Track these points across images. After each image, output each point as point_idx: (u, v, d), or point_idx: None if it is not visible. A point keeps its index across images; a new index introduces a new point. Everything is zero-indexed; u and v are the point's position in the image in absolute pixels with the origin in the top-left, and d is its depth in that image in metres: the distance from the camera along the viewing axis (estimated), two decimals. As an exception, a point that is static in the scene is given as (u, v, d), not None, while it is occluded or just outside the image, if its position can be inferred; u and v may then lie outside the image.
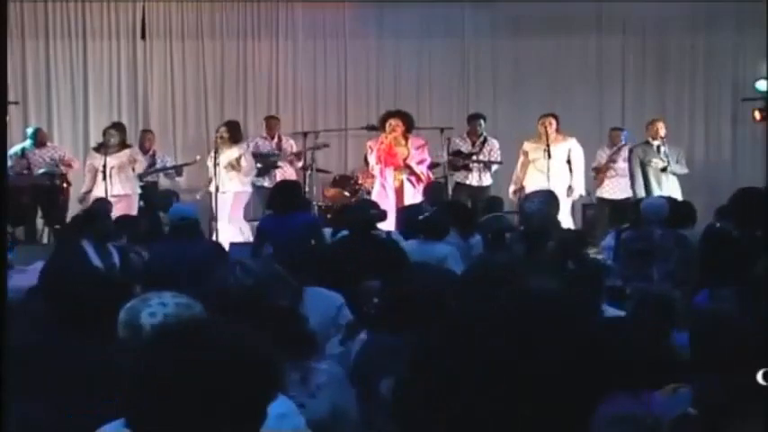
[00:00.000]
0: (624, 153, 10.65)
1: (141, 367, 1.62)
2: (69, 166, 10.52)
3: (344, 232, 6.58)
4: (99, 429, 2.23)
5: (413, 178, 9.74)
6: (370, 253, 5.65)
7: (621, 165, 10.65)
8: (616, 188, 10.67)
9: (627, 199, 10.39)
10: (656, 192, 10.10)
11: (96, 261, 6.23)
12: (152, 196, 10.29)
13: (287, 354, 2.63)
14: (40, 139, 10.60)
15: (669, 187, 10.08)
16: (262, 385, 1.63)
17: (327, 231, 7.26)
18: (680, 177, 10.38)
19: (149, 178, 10.76)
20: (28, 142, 10.57)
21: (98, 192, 9.67)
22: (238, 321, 2.26)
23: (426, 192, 8.90)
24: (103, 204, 8.68)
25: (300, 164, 10.78)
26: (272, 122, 11.21)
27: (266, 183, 10.54)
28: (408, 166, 9.72)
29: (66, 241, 6.49)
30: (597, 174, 10.97)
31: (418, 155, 9.81)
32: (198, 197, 10.29)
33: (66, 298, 3.35)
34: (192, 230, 6.52)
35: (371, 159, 9.94)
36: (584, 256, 5.25)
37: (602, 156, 10.99)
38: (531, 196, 7.76)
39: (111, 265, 6.49)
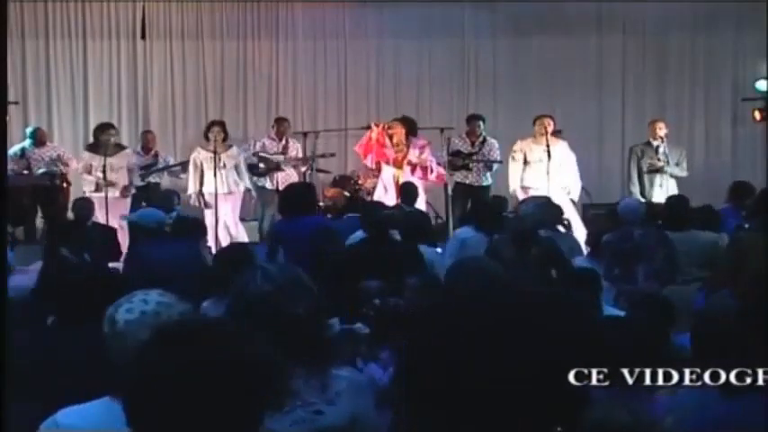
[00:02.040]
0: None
1: (138, 366, 1.63)
2: (66, 164, 10.52)
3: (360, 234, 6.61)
4: (50, 417, 2.26)
5: (419, 171, 9.81)
6: (388, 256, 5.68)
7: None
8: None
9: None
10: (653, 192, 10.13)
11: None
12: (152, 196, 10.30)
13: (305, 361, 2.64)
14: (39, 138, 10.59)
15: (666, 188, 10.10)
16: (259, 391, 1.63)
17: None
18: (678, 178, 10.41)
19: (152, 178, 10.76)
20: (27, 142, 10.57)
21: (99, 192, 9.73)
22: (257, 327, 2.26)
23: (401, 192, 8.99)
24: (84, 207, 8.75)
25: (305, 168, 10.79)
26: (283, 125, 11.14)
27: (267, 184, 10.52)
28: (410, 163, 9.80)
29: (48, 252, 6.57)
30: None
31: (419, 153, 9.90)
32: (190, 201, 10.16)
33: (64, 296, 3.39)
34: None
35: (368, 161, 10.05)
36: (567, 263, 5.23)
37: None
38: (527, 200, 7.77)
39: None
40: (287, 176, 10.49)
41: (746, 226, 6.43)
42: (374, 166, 10.06)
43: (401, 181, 9.66)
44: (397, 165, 9.85)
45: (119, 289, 3.43)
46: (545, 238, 5.75)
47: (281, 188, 9.64)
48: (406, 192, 8.99)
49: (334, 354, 3.02)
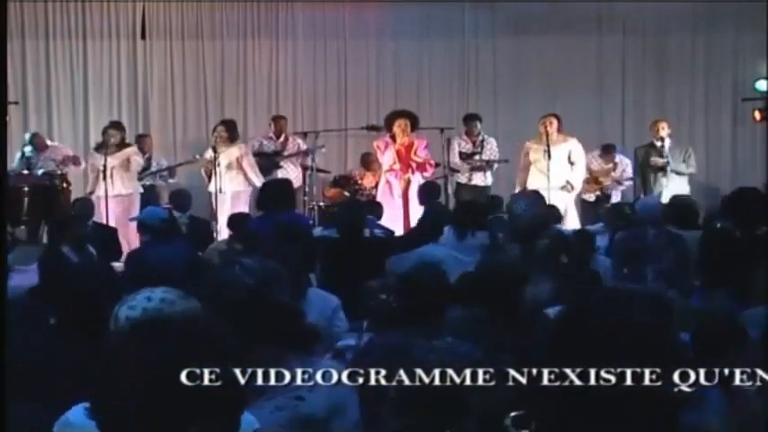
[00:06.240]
0: (621, 166, 10.82)
1: (110, 359, 1.62)
2: (76, 163, 10.51)
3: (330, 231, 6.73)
4: (63, 416, 2.23)
5: (421, 167, 9.79)
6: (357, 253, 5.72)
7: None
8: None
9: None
10: (656, 192, 10.15)
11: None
12: (156, 197, 10.36)
13: (290, 349, 2.64)
14: (38, 144, 10.59)
15: (673, 187, 10.11)
16: (230, 390, 1.60)
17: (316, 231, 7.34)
18: (689, 176, 10.52)
19: (146, 181, 10.77)
20: (28, 149, 10.56)
21: (100, 192, 9.78)
22: (240, 320, 2.25)
23: (420, 193, 8.95)
24: (85, 206, 8.80)
25: (304, 161, 10.82)
26: (279, 122, 11.20)
27: None
28: (413, 165, 9.79)
29: (47, 248, 6.56)
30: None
31: (422, 151, 9.90)
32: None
33: (65, 296, 3.39)
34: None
35: (385, 159, 9.86)
36: (580, 255, 5.25)
37: (593, 163, 10.95)
38: (516, 197, 7.74)
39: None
40: (285, 174, 10.49)
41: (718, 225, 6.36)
42: (399, 166, 9.84)
43: (411, 182, 9.64)
44: (402, 162, 9.78)
45: (120, 289, 3.42)
46: (554, 229, 5.74)
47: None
48: (428, 191, 8.82)
49: (317, 341, 3.04)
